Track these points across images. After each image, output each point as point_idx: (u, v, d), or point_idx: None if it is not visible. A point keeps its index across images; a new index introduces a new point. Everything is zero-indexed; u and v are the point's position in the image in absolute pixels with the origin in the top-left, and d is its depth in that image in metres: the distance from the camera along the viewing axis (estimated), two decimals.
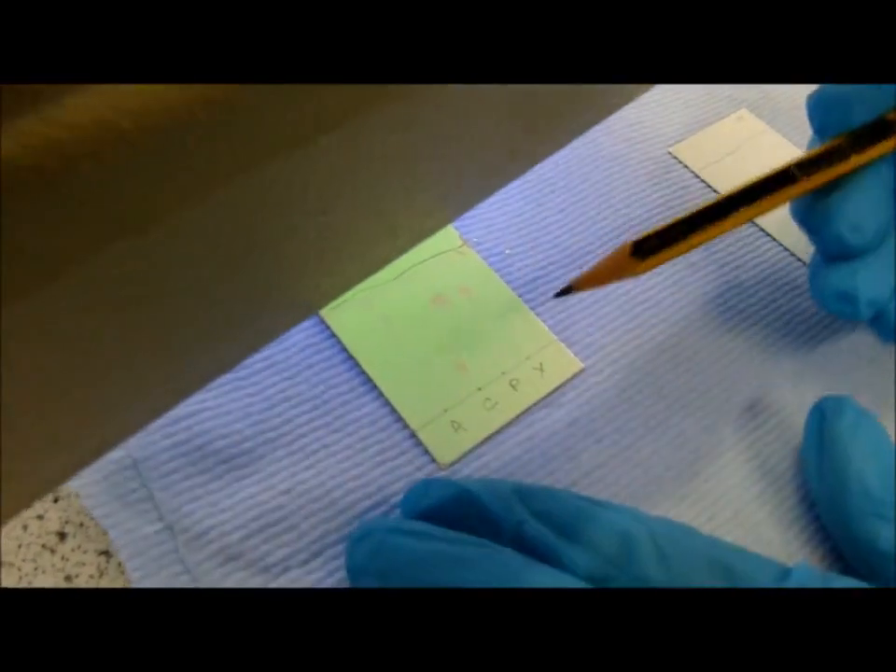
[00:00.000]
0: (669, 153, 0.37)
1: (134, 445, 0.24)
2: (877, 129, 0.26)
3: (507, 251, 0.31)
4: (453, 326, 0.29)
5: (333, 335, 0.28)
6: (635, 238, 0.25)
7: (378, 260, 0.14)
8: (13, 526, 0.24)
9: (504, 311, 0.29)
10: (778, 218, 0.32)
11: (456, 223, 0.32)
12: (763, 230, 0.34)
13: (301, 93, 0.08)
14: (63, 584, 0.23)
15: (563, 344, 0.29)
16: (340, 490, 0.24)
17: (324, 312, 0.28)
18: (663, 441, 0.27)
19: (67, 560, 0.23)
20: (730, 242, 0.33)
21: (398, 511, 0.24)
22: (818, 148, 0.26)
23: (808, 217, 0.27)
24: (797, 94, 0.40)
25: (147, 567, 0.23)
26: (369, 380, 0.27)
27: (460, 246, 0.31)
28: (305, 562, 0.23)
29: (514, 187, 0.33)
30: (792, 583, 0.20)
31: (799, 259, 0.33)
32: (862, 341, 0.31)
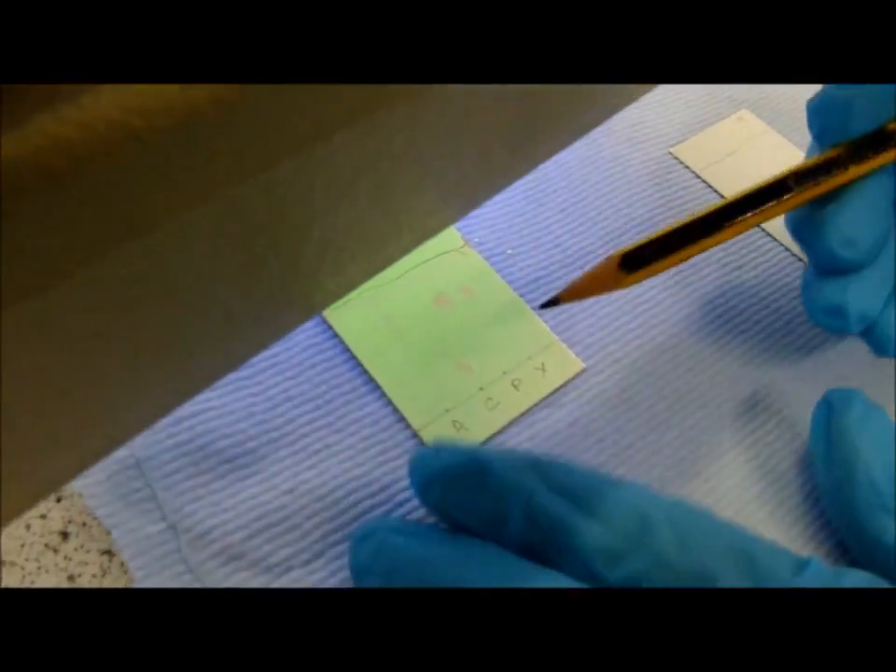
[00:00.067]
0: (670, 153, 0.37)
1: (137, 445, 0.24)
2: (876, 139, 0.26)
3: (509, 251, 0.31)
4: (455, 326, 0.29)
5: (336, 335, 0.28)
6: (622, 250, 0.24)
7: (382, 260, 0.14)
8: (16, 526, 0.24)
9: (506, 311, 0.29)
10: (780, 220, 0.32)
11: (458, 223, 0.32)
12: (764, 230, 0.34)
13: (307, 94, 0.09)
14: (65, 584, 0.23)
15: (564, 344, 0.29)
16: (342, 490, 0.25)
17: (326, 312, 0.28)
18: (664, 440, 0.27)
19: (70, 559, 0.23)
20: (731, 242, 0.33)
21: (400, 511, 0.25)
22: (814, 158, 0.26)
23: (801, 230, 0.26)
24: (798, 95, 0.40)
25: (149, 567, 0.23)
26: (371, 380, 0.27)
27: (462, 247, 0.31)
28: (308, 562, 0.23)
29: (516, 187, 0.33)
30: (809, 575, 0.20)
31: (800, 260, 0.33)
32: (863, 342, 0.31)
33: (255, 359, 0.27)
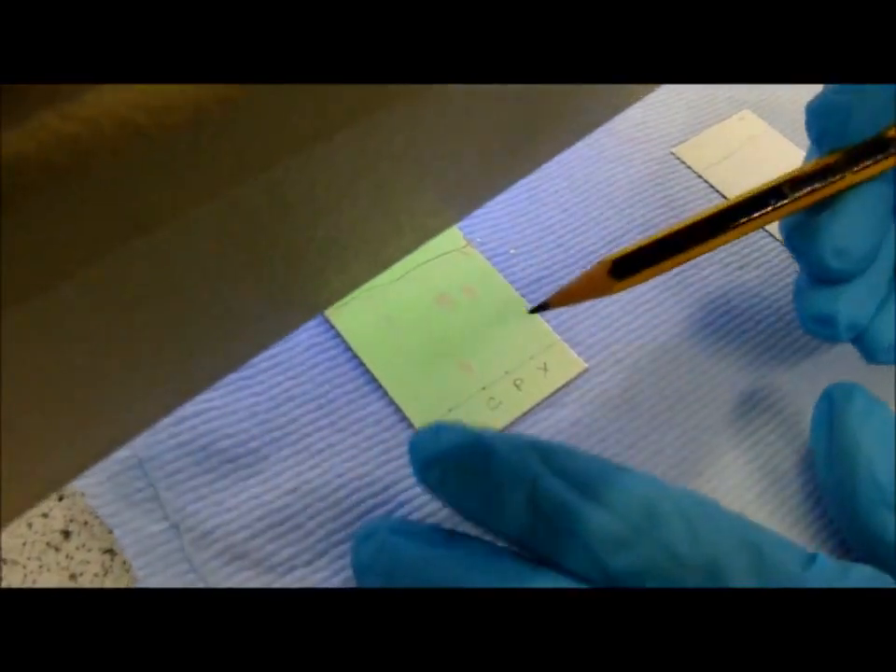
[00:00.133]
0: (672, 154, 0.37)
1: (140, 445, 0.24)
2: (875, 146, 0.25)
3: (511, 251, 0.31)
4: (457, 326, 0.29)
5: (338, 335, 0.28)
6: (612, 256, 0.24)
7: (384, 260, 0.14)
8: (18, 524, 0.24)
9: (508, 311, 0.29)
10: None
11: (460, 223, 0.32)
12: (767, 231, 0.34)
13: (309, 94, 0.09)
14: (67, 582, 0.23)
15: (566, 344, 0.29)
16: (345, 489, 0.25)
17: (329, 311, 0.28)
18: (665, 440, 0.27)
19: (72, 558, 0.23)
20: (733, 242, 0.33)
21: (403, 511, 0.25)
22: (810, 164, 0.25)
23: (794, 238, 0.26)
24: (800, 95, 0.40)
25: (152, 566, 0.23)
26: (373, 379, 0.27)
27: (464, 247, 0.31)
28: (310, 561, 0.23)
29: (518, 187, 0.33)
30: (817, 569, 0.20)
31: None
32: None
33: (257, 359, 0.27)
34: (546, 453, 0.21)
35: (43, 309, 0.08)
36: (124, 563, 0.23)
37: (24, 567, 0.23)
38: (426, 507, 0.25)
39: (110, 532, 0.24)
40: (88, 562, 0.23)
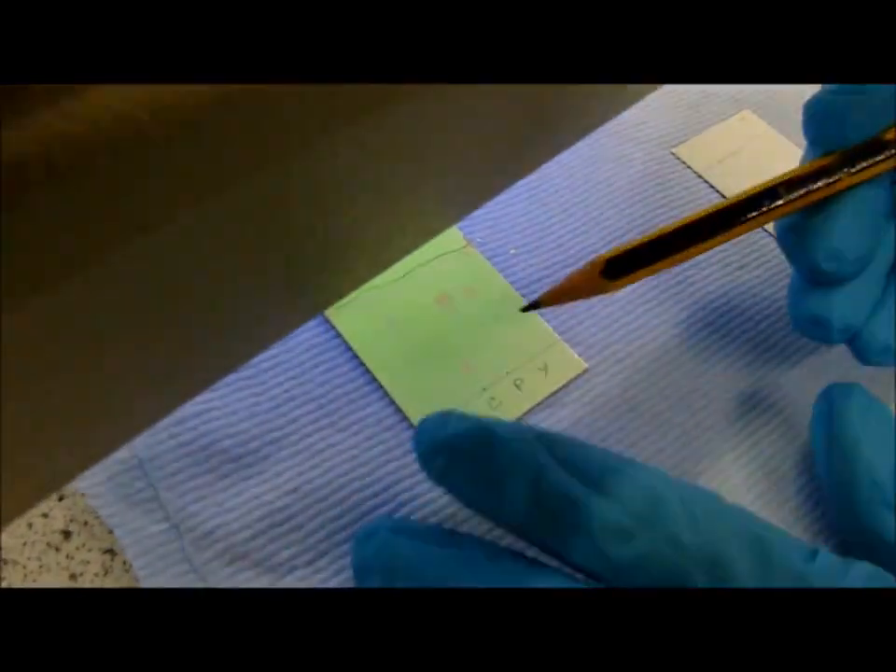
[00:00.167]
0: (672, 154, 0.37)
1: (140, 445, 0.24)
2: (871, 148, 0.25)
3: (511, 251, 0.31)
4: (457, 326, 0.29)
5: (338, 335, 0.28)
6: (605, 256, 0.24)
7: (385, 259, 0.14)
8: (18, 524, 0.24)
9: (508, 311, 0.29)
10: None
11: (460, 224, 0.32)
12: (767, 230, 0.34)
13: (309, 93, 0.09)
14: (67, 582, 0.23)
15: (566, 344, 0.29)
16: (345, 489, 0.25)
17: (329, 312, 0.28)
18: (666, 440, 0.27)
19: (72, 558, 0.24)
20: (733, 242, 0.33)
21: (403, 511, 0.25)
22: (806, 166, 0.25)
23: (787, 240, 0.26)
24: (800, 95, 0.40)
25: (153, 567, 0.23)
26: (373, 379, 0.27)
27: (464, 247, 0.31)
28: (311, 561, 0.23)
29: (518, 187, 0.33)
30: (820, 563, 0.20)
31: None
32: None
33: (258, 360, 0.27)
34: (551, 443, 0.21)
35: (43, 309, 0.08)
36: (124, 563, 0.23)
37: (24, 567, 0.23)
38: (426, 507, 0.25)
39: (110, 532, 0.24)
40: (88, 562, 0.23)
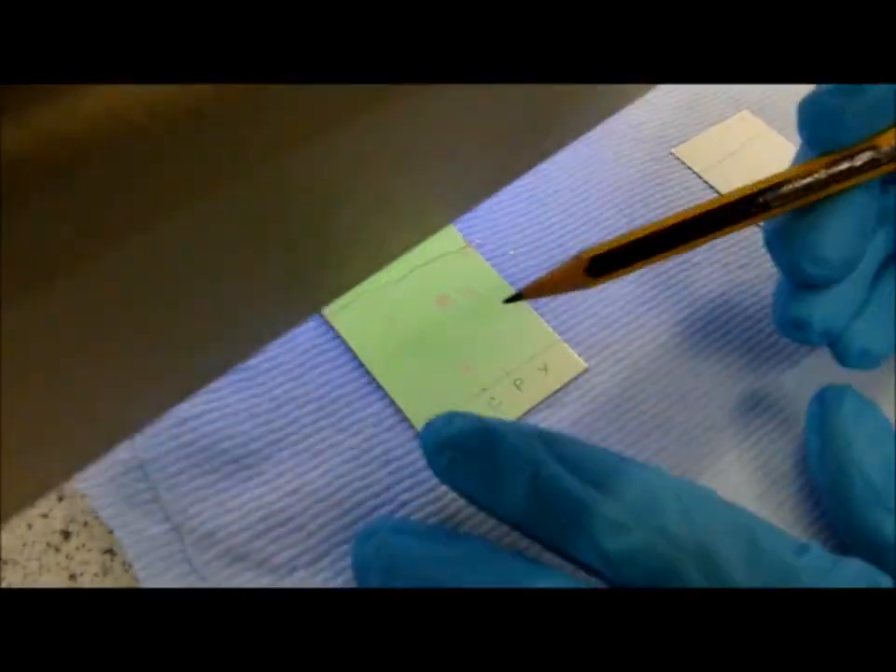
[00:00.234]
0: (672, 154, 0.37)
1: (141, 447, 0.24)
2: (863, 153, 0.24)
3: (511, 252, 0.31)
4: (457, 326, 0.29)
5: (338, 336, 0.28)
6: (590, 252, 0.23)
7: (385, 257, 0.14)
8: (18, 525, 0.24)
9: (508, 311, 0.29)
10: None
11: (460, 225, 0.32)
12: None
13: (309, 92, 0.09)
14: (67, 582, 0.23)
15: (566, 344, 0.29)
16: (346, 490, 0.25)
17: (329, 313, 0.28)
18: (666, 440, 0.27)
19: (72, 559, 0.24)
20: (732, 242, 0.33)
21: (403, 511, 0.25)
22: (796, 169, 0.25)
23: (773, 242, 0.26)
24: (799, 96, 0.40)
25: (154, 567, 0.23)
26: (373, 380, 0.27)
27: (464, 248, 0.31)
28: (312, 562, 0.23)
29: (518, 187, 0.34)
30: (810, 558, 0.20)
31: None
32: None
33: (257, 360, 0.27)
34: (551, 441, 0.22)
35: (43, 308, 0.08)
36: (124, 563, 0.23)
37: (24, 567, 0.23)
38: (426, 507, 0.25)
39: (110, 532, 0.24)
40: (88, 562, 0.23)
